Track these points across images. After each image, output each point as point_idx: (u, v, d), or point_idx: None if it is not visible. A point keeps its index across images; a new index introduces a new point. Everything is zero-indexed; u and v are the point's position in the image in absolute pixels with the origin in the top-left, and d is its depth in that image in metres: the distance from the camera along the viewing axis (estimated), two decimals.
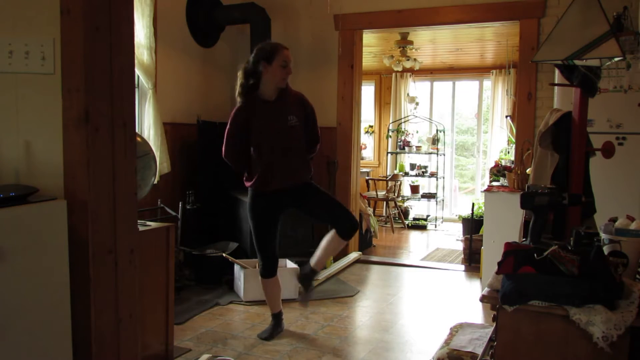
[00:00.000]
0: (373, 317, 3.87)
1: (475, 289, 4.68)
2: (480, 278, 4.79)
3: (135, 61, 2.63)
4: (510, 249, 1.90)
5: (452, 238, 7.13)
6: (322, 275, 4.69)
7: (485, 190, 4.44)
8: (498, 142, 7.85)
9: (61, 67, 1.79)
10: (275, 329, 3.47)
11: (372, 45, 7.38)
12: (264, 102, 3.25)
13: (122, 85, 1.92)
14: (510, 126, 6.37)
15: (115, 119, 1.89)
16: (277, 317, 3.52)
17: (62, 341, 1.80)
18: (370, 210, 6.59)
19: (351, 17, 5.38)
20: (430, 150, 8.27)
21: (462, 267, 5.38)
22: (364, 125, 8.29)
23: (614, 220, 2.10)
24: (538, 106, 4.78)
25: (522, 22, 4.81)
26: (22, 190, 1.73)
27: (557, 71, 3.69)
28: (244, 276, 4.06)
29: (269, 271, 3.42)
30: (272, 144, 3.24)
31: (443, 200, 8.39)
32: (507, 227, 4.03)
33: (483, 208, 4.82)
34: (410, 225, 8.03)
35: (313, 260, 3.42)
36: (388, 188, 7.98)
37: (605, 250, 1.95)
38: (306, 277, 3.45)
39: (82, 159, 1.79)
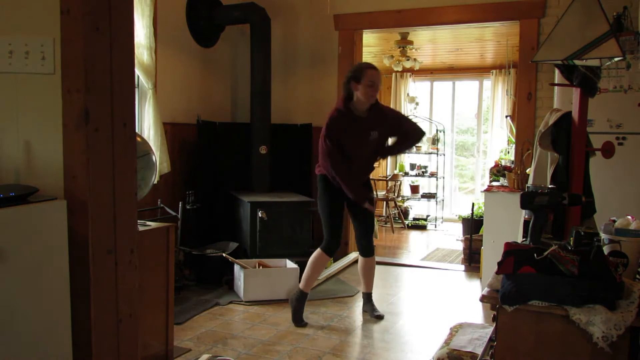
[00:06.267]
0: (373, 317, 3.87)
1: (475, 289, 4.68)
2: (480, 278, 4.79)
3: (135, 61, 2.63)
4: (510, 249, 1.90)
5: (452, 238, 7.13)
6: (322, 275, 4.69)
7: (485, 190, 4.44)
8: (498, 142, 7.85)
9: (61, 67, 1.79)
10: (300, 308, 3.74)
11: (372, 45, 7.38)
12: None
13: (122, 85, 1.92)
14: (510, 126, 6.37)
15: (115, 119, 1.89)
16: (304, 297, 3.76)
17: (62, 341, 1.80)
18: None
19: (351, 17, 5.38)
20: (430, 150, 8.27)
21: (462, 267, 5.38)
22: None
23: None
24: (538, 106, 4.78)
25: (522, 22, 4.81)
26: (22, 190, 1.73)
27: (557, 71, 3.69)
28: (244, 276, 4.06)
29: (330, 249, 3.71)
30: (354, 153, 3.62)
31: (443, 200, 8.38)
32: (507, 227, 4.03)
33: (483, 208, 4.82)
34: (410, 225, 8.03)
35: (362, 287, 3.96)
36: (388, 188, 7.98)
37: (605, 250, 1.95)
38: (365, 303, 3.93)
39: (82, 159, 1.78)
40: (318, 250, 3.70)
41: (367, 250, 3.80)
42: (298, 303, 3.70)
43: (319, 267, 3.73)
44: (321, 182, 3.69)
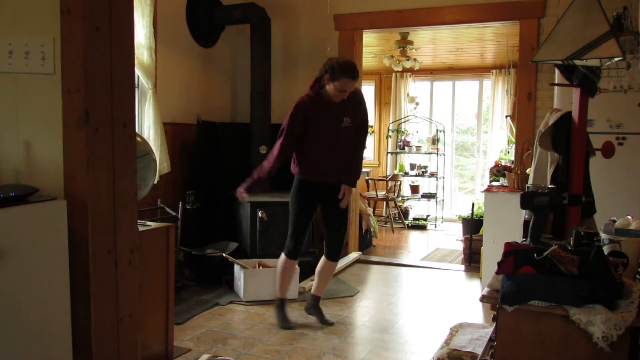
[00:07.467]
0: (373, 317, 3.87)
1: (475, 289, 4.68)
2: (480, 278, 4.79)
3: (135, 61, 2.63)
4: (510, 249, 1.90)
5: (452, 238, 7.13)
6: None
7: (485, 190, 4.44)
8: (498, 142, 7.85)
9: (61, 67, 1.79)
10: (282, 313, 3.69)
11: (372, 45, 7.38)
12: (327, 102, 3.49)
13: (122, 85, 1.92)
14: (510, 126, 6.37)
15: (115, 119, 1.89)
16: (283, 302, 3.73)
17: (62, 341, 1.80)
18: (370, 210, 6.59)
19: (351, 17, 5.38)
20: (430, 150, 8.27)
21: (462, 267, 5.38)
22: None
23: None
24: (538, 106, 4.78)
25: (522, 22, 4.81)
26: (22, 190, 1.73)
27: (557, 71, 3.69)
28: (244, 276, 4.06)
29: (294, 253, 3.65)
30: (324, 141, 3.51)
31: (443, 200, 8.39)
32: (507, 227, 4.03)
33: (483, 208, 4.82)
34: (410, 225, 8.03)
35: (313, 289, 3.78)
36: (388, 188, 7.98)
37: (605, 250, 1.95)
38: (312, 306, 3.75)
39: (82, 159, 1.78)
40: (282, 254, 3.67)
41: (334, 254, 3.68)
42: (278, 309, 3.69)
43: (286, 272, 3.68)
44: (296, 180, 3.61)
